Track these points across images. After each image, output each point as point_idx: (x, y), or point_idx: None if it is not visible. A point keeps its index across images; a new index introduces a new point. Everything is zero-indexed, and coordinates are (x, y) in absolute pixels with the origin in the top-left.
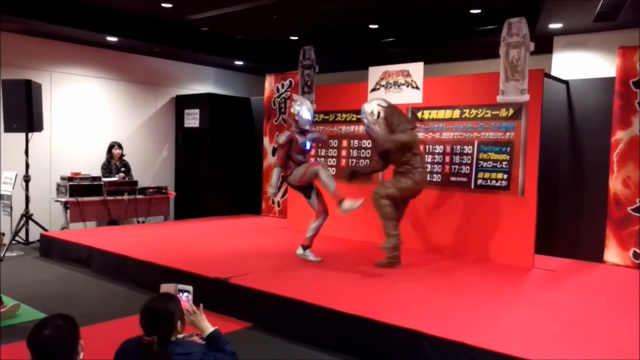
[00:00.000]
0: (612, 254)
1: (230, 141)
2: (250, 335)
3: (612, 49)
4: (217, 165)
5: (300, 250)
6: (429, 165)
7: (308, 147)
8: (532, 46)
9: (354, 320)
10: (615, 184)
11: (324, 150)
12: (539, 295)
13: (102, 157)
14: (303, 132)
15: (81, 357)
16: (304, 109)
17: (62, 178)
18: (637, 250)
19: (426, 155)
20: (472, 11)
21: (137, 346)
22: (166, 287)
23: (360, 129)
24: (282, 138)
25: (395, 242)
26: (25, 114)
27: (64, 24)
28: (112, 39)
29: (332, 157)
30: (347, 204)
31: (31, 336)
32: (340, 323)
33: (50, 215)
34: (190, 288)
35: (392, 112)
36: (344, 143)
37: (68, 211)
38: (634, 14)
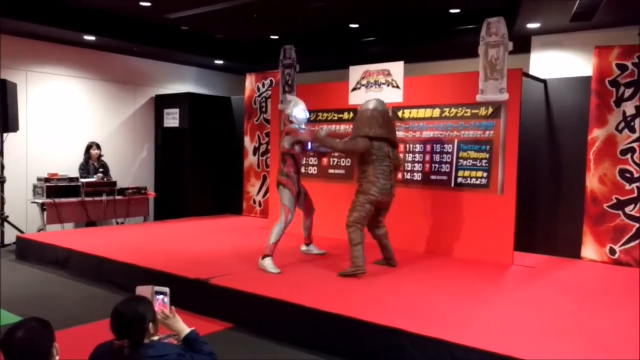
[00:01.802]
0: (589, 250)
1: (210, 141)
2: (231, 336)
3: (589, 48)
4: (198, 165)
5: (304, 247)
6: (409, 164)
7: (310, 147)
8: (510, 45)
9: (335, 319)
10: (592, 181)
11: None
12: (519, 291)
13: (79, 158)
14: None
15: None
16: (296, 109)
17: (39, 179)
18: (613, 247)
19: (406, 154)
20: (452, 11)
21: (109, 350)
22: (142, 290)
23: (342, 128)
24: (288, 142)
25: (354, 270)
26: (0, 114)
27: (40, 23)
28: (90, 37)
29: (313, 156)
30: (267, 263)
31: (4, 339)
32: (321, 322)
33: (26, 217)
34: (167, 290)
35: (360, 113)
36: None
37: (45, 213)
38: (609, 14)
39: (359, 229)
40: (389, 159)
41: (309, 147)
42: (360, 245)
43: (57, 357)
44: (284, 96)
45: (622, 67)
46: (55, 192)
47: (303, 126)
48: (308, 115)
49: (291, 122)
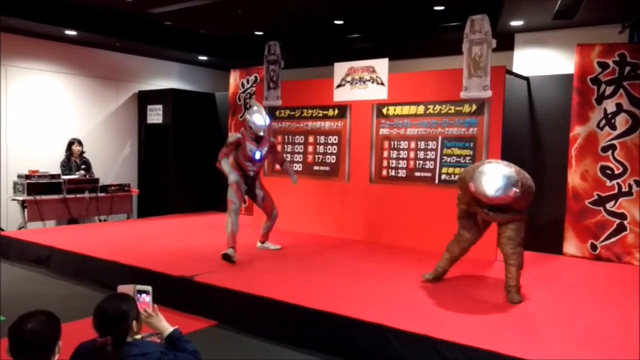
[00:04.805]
0: (571, 246)
1: (194, 137)
2: (216, 333)
3: (571, 46)
4: (181, 162)
5: (259, 244)
6: (393, 161)
7: (257, 157)
8: (494, 43)
9: (320, 315)
10: (573, 178)
11: (290, 146)
12: (502, 287)
13: (61, 155)
14: (258, 140)
15: (56, 358)
16: (255, 116)
17: (19, 176)
18: (595, 242)
19: (391, 151)
20: (436, 8)
21: (91, 348)
22: (124, 289)
23: (326, 124)
24: (231, 138)
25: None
26: None
27: (20, 17)
28: (71, 32)
29: (299, 153)
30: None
31: (13, 328)
32: (306, 319)
33: (7, 214)
34: (149, 288)
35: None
36: (310, 139)
37: (26, 210)
38: (591, 13)
39: None
40: None
41: (256, 156)
42: None
43: (57, 356)
44: (252, 102)
45: (604, 65)
46: (36, 189)
47: (262, 133)
48: (266, 122)
49: (250, 127)
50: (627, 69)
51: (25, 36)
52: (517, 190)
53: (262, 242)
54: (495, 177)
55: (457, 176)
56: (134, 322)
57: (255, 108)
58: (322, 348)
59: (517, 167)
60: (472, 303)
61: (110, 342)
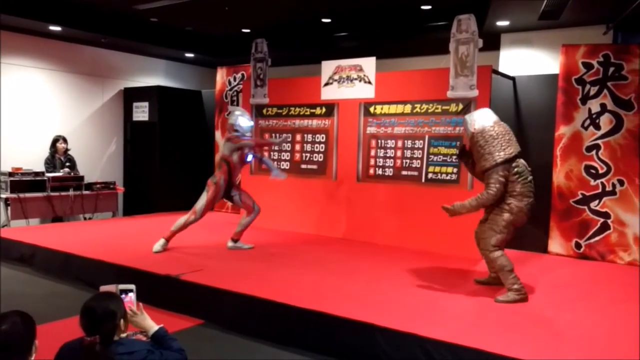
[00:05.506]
0: (556, 244)
1: (180, 135)
2: (202, 332)
3: (556, 46)
4: (168, 160)
5: (230, 243)
6: (380, 160)
7: (250, 158)
8: (480, 43)
9: (308, 314)
10: (558, 177)
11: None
12: (489, 286)
13: (45, 152)
14: None
15: (33, 357)
16: (240, 119)
17: (2, 173)
18: (579, 241)
19: (378, 150)
20: (423, 7)
21: (78, 348)
22: (106, 289)
23: (314, 123)
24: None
25: (516, 297)
26: None
27: (2, 12)
28: (56, 28)
29: (286, 151)
30: (158, 242)
31: None
32: (293, 317)
33: None
34: (132, 287)
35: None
36: (298, 137)
37: (9, 208)
38: (576, 14)
39: (504, 255)
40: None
41: (249, 159)
42: (513, 271)
43: (34, 355)
44: (232, 108)
45: (588, 66)
46: (19, 186)
47: (248, 134)
48: (252, 124)
49: (236, 131)
50: (611, 69)
51: (8, 31)
52: (474, 126)
53: (235, 241)
54: (477, 112)
55: (443, 175)
56: (122, 321)
57: (238, 112)
58: (310, 347)
59: (509, 137)
60: (460, 301)
61: (99, 341)
